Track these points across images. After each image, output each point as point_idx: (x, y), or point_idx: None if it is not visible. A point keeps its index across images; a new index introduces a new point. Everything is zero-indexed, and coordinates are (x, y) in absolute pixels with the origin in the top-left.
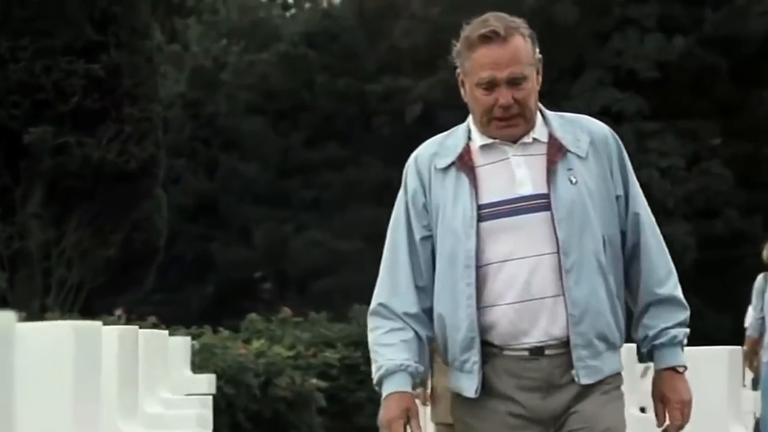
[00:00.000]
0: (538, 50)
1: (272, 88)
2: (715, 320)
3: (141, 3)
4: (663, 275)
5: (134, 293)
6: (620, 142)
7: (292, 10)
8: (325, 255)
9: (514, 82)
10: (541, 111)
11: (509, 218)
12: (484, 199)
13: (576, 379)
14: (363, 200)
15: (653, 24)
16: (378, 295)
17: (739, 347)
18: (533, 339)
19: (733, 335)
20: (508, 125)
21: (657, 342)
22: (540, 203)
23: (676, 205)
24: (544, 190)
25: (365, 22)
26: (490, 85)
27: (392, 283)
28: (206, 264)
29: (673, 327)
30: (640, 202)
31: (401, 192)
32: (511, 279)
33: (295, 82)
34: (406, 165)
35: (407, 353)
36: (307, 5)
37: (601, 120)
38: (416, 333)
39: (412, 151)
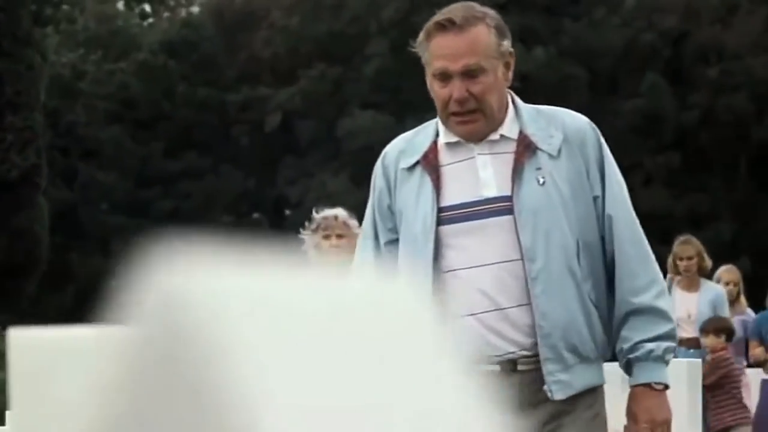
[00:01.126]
0: (508, 43)
1: (131, 97)
2: None
3: (23, 12)
4: (641, 284)
5: (17, 302)
6: (601, 139)
7: (150, 20)
8: None
9: (470, 74)
10: (515, 105)
11: (471, 222)
12: (446, 202)
13: (549, 395)
14: (222, 210)
15: (513, 35)
16: None
17: (698, 360)
18: (502, 351)
19: None
20: (464, 121)
21: (632, 356)
22: (504, 206)
23: None
24: (509, 192)
25: (225, 32)
26: (444, 77)
27: None
28: (65, 273)
29: (650, 340)
30: (619, 204)
31: (370, 192)
32: (473, 287)
33: (154, 92)
34: (376, 163)
35: None
36: (166, 14)
37: None
38: None
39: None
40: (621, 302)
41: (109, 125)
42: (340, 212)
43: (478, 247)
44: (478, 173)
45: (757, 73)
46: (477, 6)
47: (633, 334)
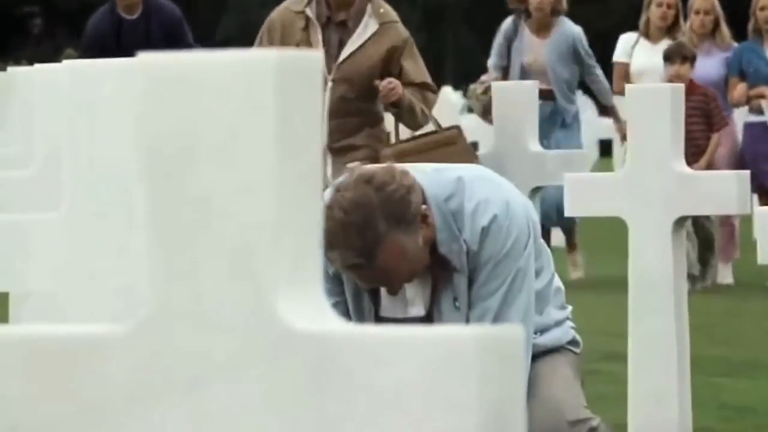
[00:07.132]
0: (413, 211)
1: None
2: None
3: None
4: None
5: None
6: (508, 229)
7: None
8: None
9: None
10: (436, 215)
11: None
12: (383, 312)
13: None
14: None
15: None
16: None
17: (682, 85)
18: None
19: None
20: (395, 289)
21: None
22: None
23: None
24: (431, 312)
25: None
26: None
27: None
28: None
29: None
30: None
31: None
32: None
33: None
34: None
35: None
36: None
37: None
38: None
39: None
40: None
41: None
42: None
43: None
44: (405, 288)
45: None
46: (363, 206)
47: None
